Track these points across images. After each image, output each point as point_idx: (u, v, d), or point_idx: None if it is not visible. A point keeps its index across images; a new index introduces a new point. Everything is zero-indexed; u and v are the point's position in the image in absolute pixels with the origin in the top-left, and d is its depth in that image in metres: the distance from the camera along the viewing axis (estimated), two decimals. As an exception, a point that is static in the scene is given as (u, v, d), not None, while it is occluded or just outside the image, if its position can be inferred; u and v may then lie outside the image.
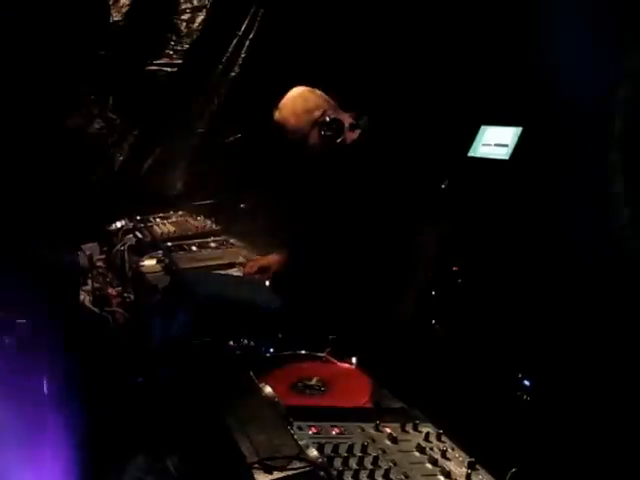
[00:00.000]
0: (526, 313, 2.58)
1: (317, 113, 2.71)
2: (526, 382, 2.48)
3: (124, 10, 4.03)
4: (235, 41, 4.16)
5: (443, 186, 2.97)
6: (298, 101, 2.76)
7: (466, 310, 2.75)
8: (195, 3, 4.15)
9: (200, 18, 4.16)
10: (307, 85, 2.86)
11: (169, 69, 4.15)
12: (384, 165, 2.61)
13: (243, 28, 4.15)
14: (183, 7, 4.16)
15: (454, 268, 2.90)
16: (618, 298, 2.31)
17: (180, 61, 4.16)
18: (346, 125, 2.71)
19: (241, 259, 2.94)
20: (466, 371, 2.45)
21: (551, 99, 2.64)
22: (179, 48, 4.15)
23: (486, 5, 2.98)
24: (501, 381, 2.48)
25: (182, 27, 4.15)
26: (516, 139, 2.85)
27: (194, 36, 4.16)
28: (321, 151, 2.71)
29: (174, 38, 4.14)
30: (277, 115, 2.76)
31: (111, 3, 4.01)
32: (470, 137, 3.06)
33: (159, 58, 4.14)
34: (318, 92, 2.81)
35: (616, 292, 2.32)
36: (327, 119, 2.68)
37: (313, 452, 1.33)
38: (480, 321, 2.68)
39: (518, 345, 2.54)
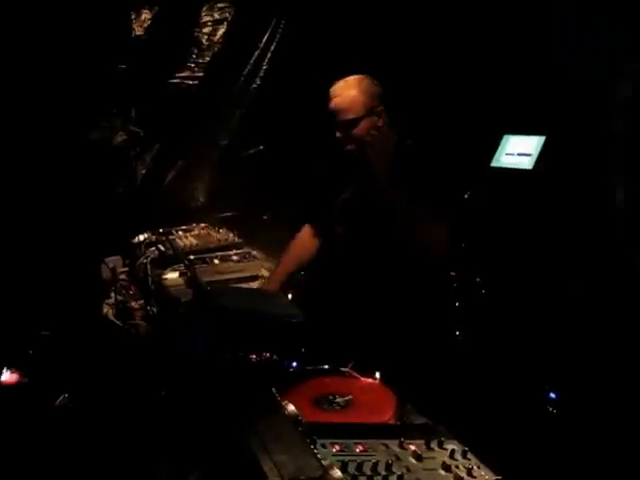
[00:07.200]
0: (551, 324, 2.55)
1: (375, 102, 2.50)
2: (552, 395, 2.45)
3: (146, 25, 4.08)
4: (256, 53, 4.18)
5: (466, 196, 2.94)
6: (365, 81, 2.55)
7: (490, 322, 2.72)
8: (216, 16, 4.19)
9: (221, 31, 4.20)
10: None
11: (191, 82, 4.19)
12: (406, 175, 2.59)
13: (264, 40, 4.17)
14: (204, 20, 4.20)
15: (477, 279, 2.87)
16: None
17: (202, 74, 4.20)
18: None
19: (263, 272, 2.94)
20: (491, 384, 2.42)
21: (574, 107, 2.61)
22: (201, 61, 4.19)
23: (508, 15, 2.97)
24: (527, 394, 2.45)
25: (204, 40, 4.19)
26: (539, 148, 2.82)
27: (215, 49, 4.20)
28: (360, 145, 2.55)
29: (196, 51, 4.19)
30: (338, 86, 2.55)
31: (133, 18, 4.07)
32: (493, 147, 3.04)
33: (181, 71, 4.18)
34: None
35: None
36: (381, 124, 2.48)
37: (337, 473, 1.31)
38: (505, 333, 2.65)
39: (544, 357, 2.51)
